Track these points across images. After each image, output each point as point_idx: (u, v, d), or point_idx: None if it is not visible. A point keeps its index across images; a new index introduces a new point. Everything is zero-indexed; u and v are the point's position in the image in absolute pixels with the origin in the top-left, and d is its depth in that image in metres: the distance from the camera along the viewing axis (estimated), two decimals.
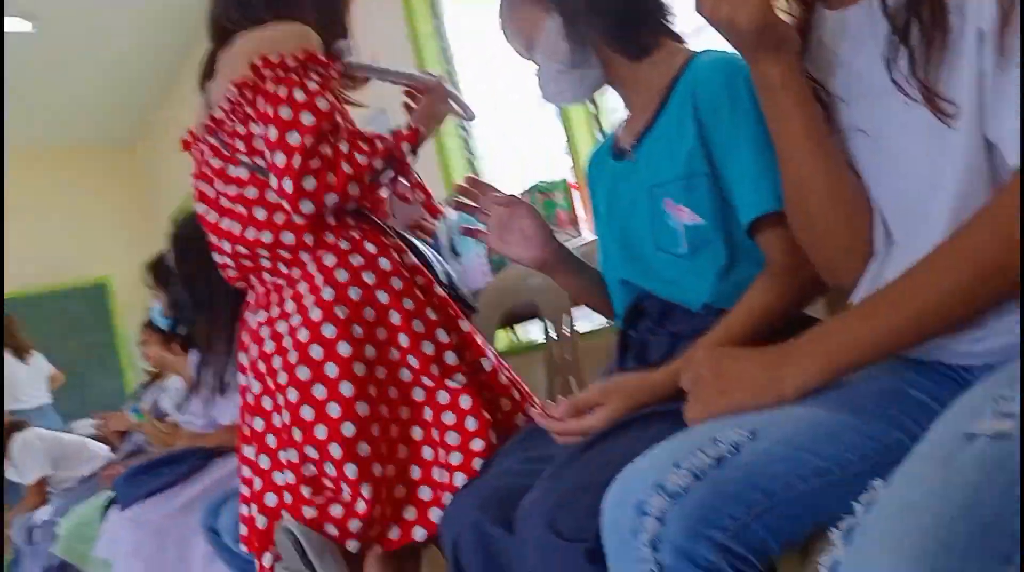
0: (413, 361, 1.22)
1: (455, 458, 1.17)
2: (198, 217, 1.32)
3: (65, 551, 2.77)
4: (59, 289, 5.80)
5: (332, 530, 1.14)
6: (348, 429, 1.16)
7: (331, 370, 1.17)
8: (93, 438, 3.83)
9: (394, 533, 1.19)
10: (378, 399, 1.20)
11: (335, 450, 1.16)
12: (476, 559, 0.96)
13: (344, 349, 1.17)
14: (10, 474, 3.63)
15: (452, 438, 1.19)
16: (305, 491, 1.18)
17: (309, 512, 1.15)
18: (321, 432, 1.17)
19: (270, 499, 1.25)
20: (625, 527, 0.71)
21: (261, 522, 1.24)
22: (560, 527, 0.82)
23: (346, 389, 1.17)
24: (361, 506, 1.14)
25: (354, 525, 1.14)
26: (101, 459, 3.43)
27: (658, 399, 0.96)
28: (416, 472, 1.22)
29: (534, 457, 1.06)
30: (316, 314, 1.19)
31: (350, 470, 1.15)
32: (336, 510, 1.15)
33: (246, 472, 1.30)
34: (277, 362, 1.22)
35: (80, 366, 5.47)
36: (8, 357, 4.57)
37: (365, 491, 1.14)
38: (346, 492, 1.15)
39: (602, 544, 0.75)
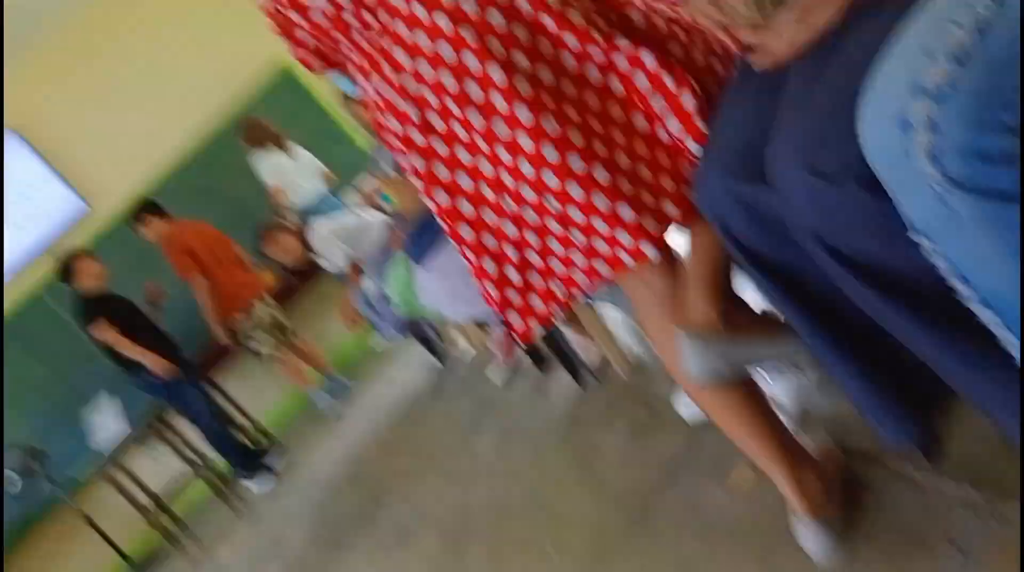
0: (571, 40, 1.05)
1: (673, 125, 1.07)
2: None
3: (405, 311, 3.22)
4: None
5: (620, 259, 1.10)
6: (551, 154, 1.05)
7: (497, 102, 1.05)
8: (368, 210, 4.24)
9: (672, 209, 1.10)
10: (559, 106, 1.06)
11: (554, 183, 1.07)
12: (745, 225, 0.92)
13: (496, 75, 1.04)
14: (323, 264, 4.19)
15: (658, 103, 1.06)
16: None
17: (603, 269, 1.12)
18: (528, 170, 1.08)
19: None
20: (893, 148, 0.63)
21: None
22: (821, 167, 0.75)
23: (523, 115, 1.05)
24: (624, 236, 1.08)
25: (627, 241, 1.08)
26: (385, 227, 3.74)
27: None
28: (644, 171, 1.09)
29: (757, 100, 0.95)
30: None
31: (600, 201, 1.07)
32: (601, 246, 1.10)
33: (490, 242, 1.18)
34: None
35: (314, 145, 5.65)
36: (275, 153, 5.01)
37: (625, 213, 1.07)
38: (602, 225, 1.08)
39: (871, 169, 0.68)
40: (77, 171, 6.00)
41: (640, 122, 1.09)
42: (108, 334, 4.46)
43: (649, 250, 1.08)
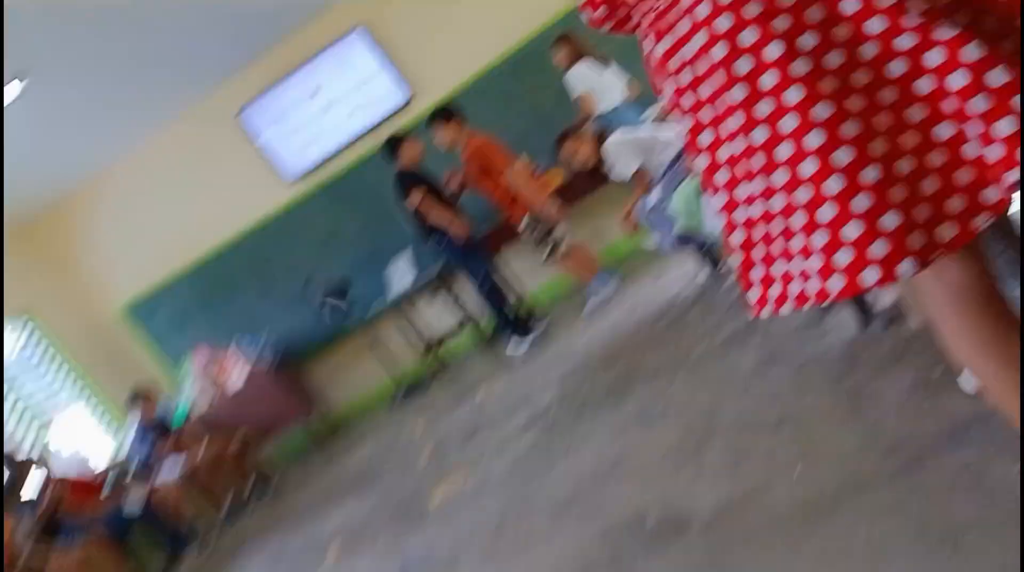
0: (876, 24, 0.93)
1: (980, 103, 0.91)
2: None
3: (685, 227, 3.21)
4: None
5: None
6: (841, 156, 0.94)
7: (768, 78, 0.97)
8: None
9: (947, 232, 0.94)
10: (841, 94, 0.95)
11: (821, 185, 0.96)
12: None
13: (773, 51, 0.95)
14: (612, 175, 4.25)
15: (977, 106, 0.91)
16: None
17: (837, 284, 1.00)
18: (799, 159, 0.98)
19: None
20: None
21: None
22: None
23: (793, 95, 0.96)
24: (879, 247, 0.94)
25: (879, 252, 0.95)
26: (675, 144, 3.70)
27: None
28: (937, 159, 0.95)
29: None
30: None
31: (860, 203, 0.94)
32: (843, 258, 0.97)
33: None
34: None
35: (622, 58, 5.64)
36: (586, 63, 5.17)
37: (888, 221, 0.94)
38: (854, 231, 0.95)
39: None
40: (408, 64, 6.58)
41: (944, 130, 0.94)
42: (421, 200, 5.03)
43: (906, 267, 0.94)
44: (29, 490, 4.75)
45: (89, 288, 6.98)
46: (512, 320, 5.28)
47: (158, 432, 5.60)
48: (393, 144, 5.30)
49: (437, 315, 6.36)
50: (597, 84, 5.15)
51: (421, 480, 3.65)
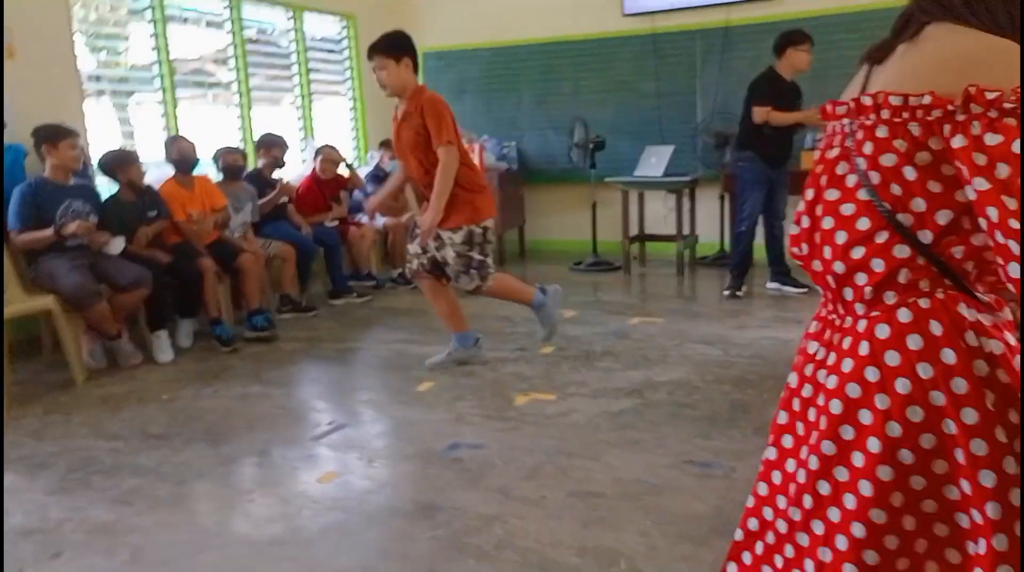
0: (965, 486, 0.91)
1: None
2: None
3: None
4: None
5: None
6: (870, 557, 0.96)
7: (858, 460, 0.96)
8: None
9: None
10: (907, 510, 0.95)
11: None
12: None
13: (884, 473, 0.94)
14: None
15: None
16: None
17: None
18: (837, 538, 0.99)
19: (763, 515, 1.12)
20: None
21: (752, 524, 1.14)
22: None
23: (876, 516, 0.95)
24: None
25: None
26: None
27: None
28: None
29: None
30: (853, 391, 0.96)
31: None
32: None
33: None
34: (820, 399, 1.02)
35: None
36: None
37: None
38: None
39: None
40: None
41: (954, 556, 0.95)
42: (768, 113, 4.97)
43: None
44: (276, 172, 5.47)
45: (405, 14, 7.48)
46: (743, 266, 5.20)
47: (384, 182, 6.14)
48: (782, 43, 4.93)
49: (661, 215, 6.31)
50: None
51: (518, 372, 3.90)
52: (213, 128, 5.84)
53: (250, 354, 4.30)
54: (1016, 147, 0.81)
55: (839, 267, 0.98)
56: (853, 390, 0.96)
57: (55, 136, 3.95)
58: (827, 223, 0.99)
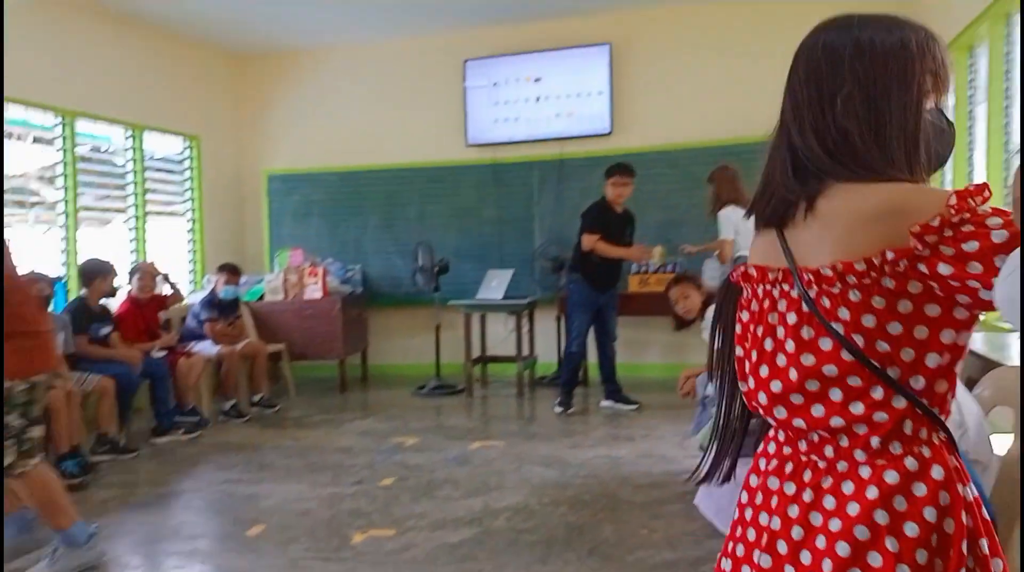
0: None
1: None
2: None
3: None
4: None
5: None
6: None
7: None
8: None
9: None
10: None
11: None
12: None
13: None
14: (703, 335, 4.14)
15: None
16: None
17: None
18: None
19: None
20: None
21: None
22: None
23: None
24: None
25: None
26: None
27: None
28: None
29: None
30: (862, 534, 0.99)
31: None
32: None
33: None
34: (819, 541, 1.04)
35: None
36: (738, 210, 5.06)
37: None
38: None
39: None
40: (624, 103, 6.59)
41: None
42: (595, 243, 5.42)
43: None
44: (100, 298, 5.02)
45: (251, 137, 7.52)
46: (571, 384, 5.52)
47: (220, 308, 5.98)
48: (611, 171, 5.37)
49: (502, 337, 6.47)
50: (743, 230, 5.05)
51: (356, 508, 3.80)
52: (32, 251, 5.50)
53: None
54: (996, 237, 0.90)
55: (837, 422, 1.01)
56: (862, 533, 0.98)
57: None
58: (812, 385, 1.02)
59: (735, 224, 5.14)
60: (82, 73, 5.82)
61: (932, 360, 0.96)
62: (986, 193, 0.95)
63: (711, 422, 2.98)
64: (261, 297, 6.59)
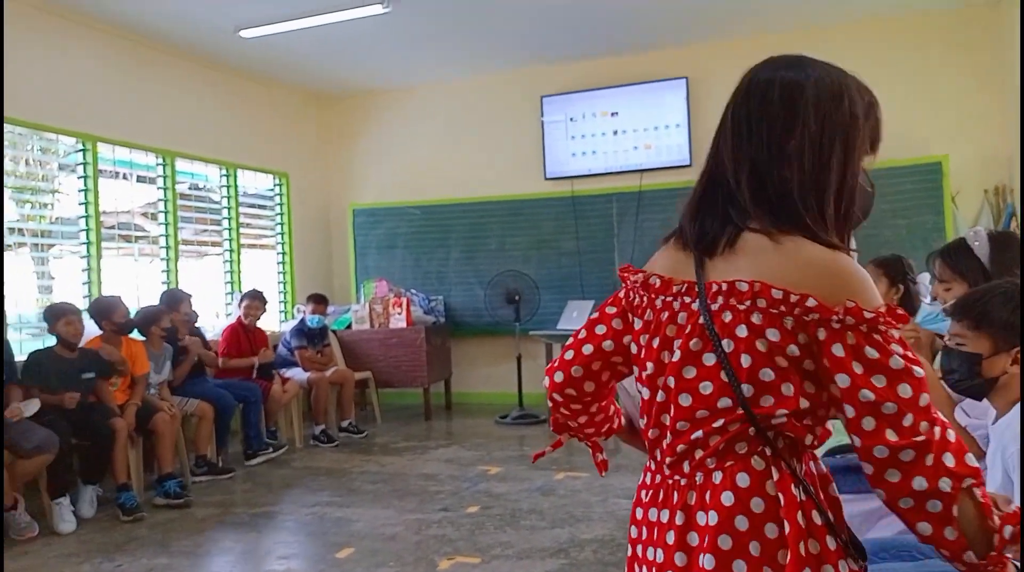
0: None
1: None
2: None
3: None
4: (896, 165, 5.80)
5: None
6: None
7: None
8: None
9: None
10: None
11: None
12: None
13: None
14: None
15: None
16: None
17: None
18: None
19: None
20: None
21: None
22: None
23: None
24: None
25: None
26: None
27: None
28: None
29: None
30: (709, 562, 1.00)
31: None
32: None
33: None
34: (679, 559, 1.04)
35: (908, 244, 5.49)
36: None
37: None
38: None
39: None
40: (703, 135, 6.53)
41: None
42: None
43: None
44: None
45: (337, 173, 7.80)
46: None
47: (309, 336, 6.18)
48: None
49: None
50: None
51: (442, 534, 3.83)
52: (136, 282, 5.81)
53: (159, 522, 4.08)
54: (894, 363, 0.93)
55: (697, 434, 1.02)
56: (724, 542, 0.98)
57: None
58: (685, 400, 1.03)
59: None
60: (181, 117, 6.18)
61: (803, 403, 0.98)
62: (903, 325, 0.98)
63: None
64: (348, 326, 6.78)
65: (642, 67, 6.78)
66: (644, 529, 1.09)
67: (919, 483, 0.92)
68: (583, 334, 1.21)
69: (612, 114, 6.87)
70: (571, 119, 6.98)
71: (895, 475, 0.93)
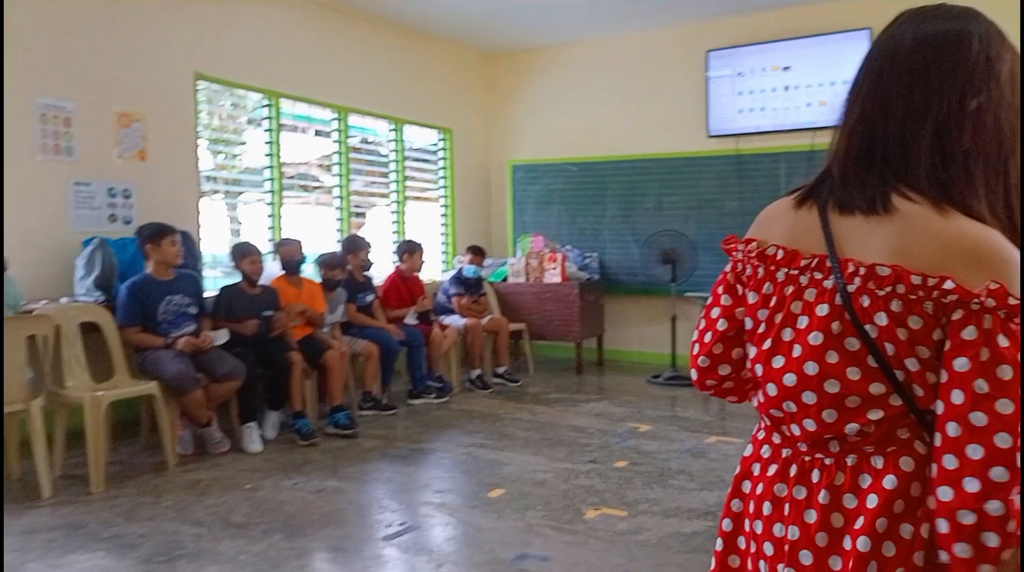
0: None
1: None
2: None
3: None
4: None
5: None
6: None
7: None
8: None
9: None
10: None
11: None
12: None
13: None
14: None
15: None
16: None
17: None
18: None
19: None
20: None
21: None
22: None
23: None
24: None
25: None
26: None
27: None
28: None
29: None
30: (863, 544, 0.94)
31: None
32: None
33: None
34: (820, 539, 0.99)
35: None
36: None
37: None
38: None
39: None
40: None
41: None
42: None
43: None
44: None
45: (498, 129, 7.93)
46: None
47: (466, 285, 6.38)
48: None
49: None
50: None
51: (589, 485, 3.88)
52: (313, 228, 6.23)
53: (329, 449, 4.43)
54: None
55: (852, 428, 0.95)
56: (881, 525, 0.93)
57: (157, 234, 4.24)
58: (831, 387, 0.95)
59: None
60: (355, 74, 6.49)
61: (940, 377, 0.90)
62: None
63: None
64: (504, 278, 6.96)
65: (819, 18, 6.36)
66: (766, 504, 1.04)
67: (993, 507, 0.82)
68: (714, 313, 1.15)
69: (784, 68, 6.52)
70: (739, 74, 6.69)
71: (974, 484, 0.83)
